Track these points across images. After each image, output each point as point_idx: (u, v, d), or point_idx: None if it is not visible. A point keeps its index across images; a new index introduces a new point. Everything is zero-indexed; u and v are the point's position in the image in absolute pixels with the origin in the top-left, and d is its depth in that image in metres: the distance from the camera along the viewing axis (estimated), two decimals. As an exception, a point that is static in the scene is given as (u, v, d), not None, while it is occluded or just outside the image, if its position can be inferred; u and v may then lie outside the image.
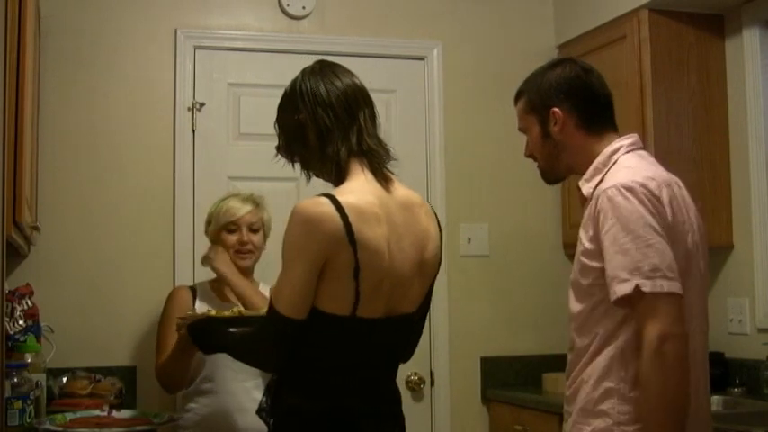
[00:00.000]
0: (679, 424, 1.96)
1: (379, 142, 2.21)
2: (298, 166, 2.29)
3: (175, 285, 3.45)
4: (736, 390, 3.47)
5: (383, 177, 2.18)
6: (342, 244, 2.02)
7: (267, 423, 2.21)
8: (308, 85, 2.20)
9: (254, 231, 3.06)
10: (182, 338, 2.64)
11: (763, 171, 3.53)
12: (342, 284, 2.05)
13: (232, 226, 3.03)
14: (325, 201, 2.05)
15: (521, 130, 2.33)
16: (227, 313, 2.47)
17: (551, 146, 2.25)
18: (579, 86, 2.24)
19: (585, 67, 2.29)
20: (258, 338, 2.18)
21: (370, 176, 2.15)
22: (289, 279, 2.05)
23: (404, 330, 2.24)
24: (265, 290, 3.16)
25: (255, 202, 3.09)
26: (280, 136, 2.27)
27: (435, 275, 2.28)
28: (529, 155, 2.33)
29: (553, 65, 2.33)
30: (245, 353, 2.29)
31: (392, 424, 2.24)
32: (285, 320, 2.06)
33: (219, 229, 3.05)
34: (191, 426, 2.97)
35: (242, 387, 2.99)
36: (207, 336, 2.42)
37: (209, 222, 3.14)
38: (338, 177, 2.17)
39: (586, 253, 2.11)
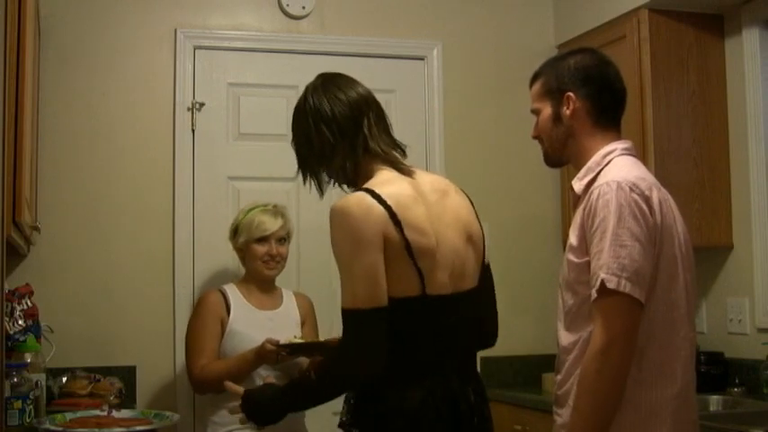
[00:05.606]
0: (602, 419, 2.00)
1: (390, 141, 2.28)
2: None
3: (209, 289, 3.43)
4: (735, 390, 3.47)
5: (404, 171, 2.23)
6: (390, 227, 2.06)
7: None
8: (312, 102, 2.26)
9: (282, 243, 3.26)
10: (269, 358, 2.95)
11: (763, 171, 3.53)
12: (402, 265, 2.07)
13: (263, 239, 3.22)
14: (362, 194, 2.10)
15: (533, 111, 2.33)
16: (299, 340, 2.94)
17: (560, 130, 2.25)
18: (596, 75, 2.24)
19: (605, 59, 2.30)
20: (351, 352, 2.08)
21: (391, 170, 2.21)
22: (358, 273, 2.05)
23: (473, 307, 2.24)
24: (288, 295, 3.36)
25: (284, 216, 3.28)
26: (296, 154, 2.31)
27: (484, 247, 2.30)
28: (536, 136, 2.33)
29: (574, 51, 2.34)
30: (343, 379, 2.13)
31: (484, 403, 2.24)
32: (372, 313, 2.04)
33: (250, 241, 3.22)
34: (228, 423, 3.00)
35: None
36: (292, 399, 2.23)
37: (235, 231, 3.29)
38: (355, 183, 2.22)
39: (572, 249, 2.13)
